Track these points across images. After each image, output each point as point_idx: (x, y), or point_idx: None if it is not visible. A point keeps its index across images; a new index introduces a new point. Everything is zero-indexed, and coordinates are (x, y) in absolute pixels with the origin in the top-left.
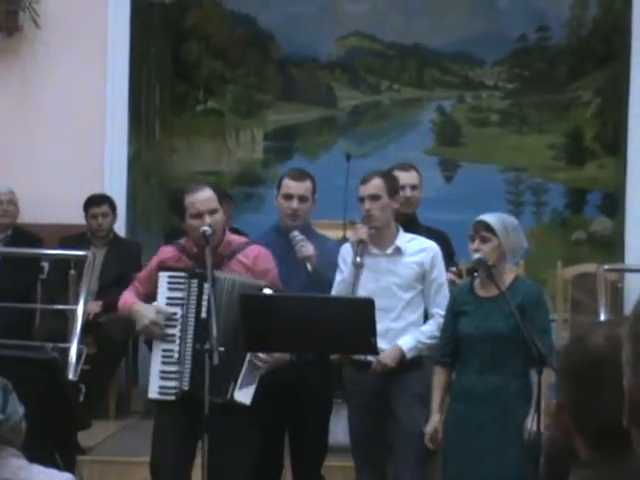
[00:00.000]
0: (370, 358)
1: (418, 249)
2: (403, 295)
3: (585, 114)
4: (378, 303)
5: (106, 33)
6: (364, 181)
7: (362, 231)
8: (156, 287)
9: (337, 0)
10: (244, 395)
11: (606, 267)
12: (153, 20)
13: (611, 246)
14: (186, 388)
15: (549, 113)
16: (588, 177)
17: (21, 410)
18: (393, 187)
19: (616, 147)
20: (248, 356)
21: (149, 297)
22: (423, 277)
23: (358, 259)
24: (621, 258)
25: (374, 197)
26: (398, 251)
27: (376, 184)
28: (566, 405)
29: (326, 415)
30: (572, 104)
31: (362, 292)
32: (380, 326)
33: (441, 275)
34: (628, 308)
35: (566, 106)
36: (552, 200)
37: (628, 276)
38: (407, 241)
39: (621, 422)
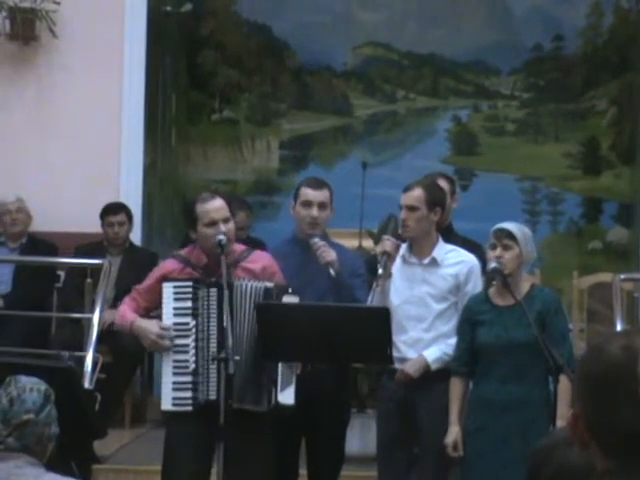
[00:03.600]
0: (397, 366)
1: (455, 261)
2: (436, 306)
3: (601, 123)
4: (410, 311)
5: (122, 42)
6: (406, 189)
7: (387, 243)
8: (158, 299)
9: (352, 9)
10: (286, 397)
11: (622, 277)
12: (169, 29)
13: (627, 256)
14: (213, 398)
15: (565, 122)
16: (604, 187)
17: (55, 429)
18: (435, 199)
19: (632, 156)
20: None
21: (149, 310)
22: (457, 289)
23: (380, 271)
24: (637, 268)
25: (411, 208)
26: (434, 262)
27: (415, 195)
28: (582, 415)
29: (343, 424)
30: (588, 113)
31: (396, 299)
32: (411, 335)
33: (475, 289)
34: None
35: (582, 115)
36: (568, 209)
37: None
38: (446, 252)
39: (638, 431)
